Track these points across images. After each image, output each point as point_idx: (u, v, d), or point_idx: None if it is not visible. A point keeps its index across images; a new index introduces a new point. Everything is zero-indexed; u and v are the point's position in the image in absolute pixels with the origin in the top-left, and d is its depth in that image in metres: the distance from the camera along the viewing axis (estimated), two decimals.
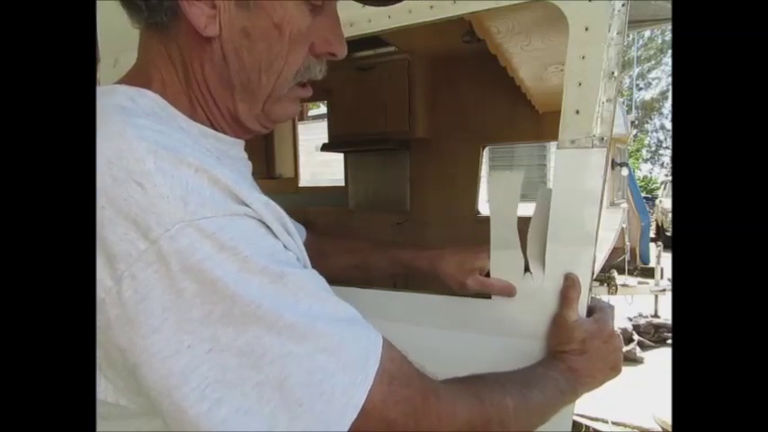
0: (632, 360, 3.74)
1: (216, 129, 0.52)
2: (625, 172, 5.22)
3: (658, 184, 14.82)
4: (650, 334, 4.26)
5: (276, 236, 0.43)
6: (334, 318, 0.41)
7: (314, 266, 0.47)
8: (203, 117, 0.51)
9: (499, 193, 0.69)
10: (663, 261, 5.13)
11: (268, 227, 0.42)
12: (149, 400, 0.37)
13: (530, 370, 0.61)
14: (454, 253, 0.76)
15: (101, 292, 0.36)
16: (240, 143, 0.56)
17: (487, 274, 0.73)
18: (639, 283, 5.02)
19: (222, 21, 0.47)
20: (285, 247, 0.43)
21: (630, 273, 5.44)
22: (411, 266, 0.81)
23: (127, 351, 0.36)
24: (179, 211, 0.36)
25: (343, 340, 0.40)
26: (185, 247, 0.36)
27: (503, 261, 0.71)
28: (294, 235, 0.47)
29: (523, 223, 0.69)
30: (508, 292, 0.70)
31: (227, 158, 0.52)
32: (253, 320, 0.37)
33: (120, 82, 0.48)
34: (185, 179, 0.38)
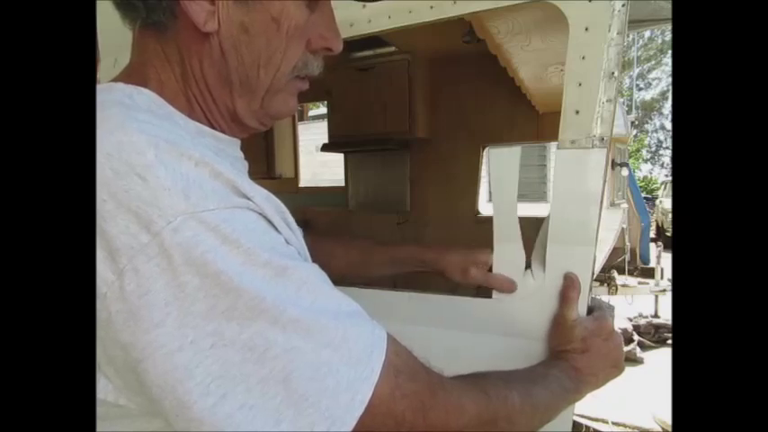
0: (632, 360, 3.74)
1: (213, 127, 0.52)
2: (625, 172, 5.22)
3: (658, 185, 14.82)
4: (650, 334, 4.26)
5: (278, 230, 0.43)
6: (337, 312, 0.41)
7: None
8: (201, 115, 0.51)
9: (500, 169, 0.70)
10: (663, 261, 5.13)
11: (269, 221, 0.42)
12: (150, 398, 0.37)
13: (533, 369, 0.61)
14: (459, 247, 0.79)
15: (102, 287, 0.36)
16: (237, 142, 0.56)
17: (490, 271, 0.73)
18: (639, 283, 5.02)
19: (221, 16, 0.47)
20: (287, 241, 0.43)
21: (630, 273, 5.44)
22: (415, 260, 0.82)
23: (129, 346, 0.36)
24: (181, 204, 0.36)
25: (347, 335, 0.40)
26: (188, 239, 0.36)
27: (505, 255, 0.71)
28: (295, 230, 0.47)
29: (525, 224, 0.69)
30: (508, 287, 0.70)
31: (225, 156, 0.52)
32: (256, 315, 0.36)
33: (116, 80, 0.48)
34: (187, 172, 0.38)
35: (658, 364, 3.73)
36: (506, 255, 0.71)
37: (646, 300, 4.70)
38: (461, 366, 0.51)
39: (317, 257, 0.49)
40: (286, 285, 0.39)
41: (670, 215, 8.87)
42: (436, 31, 1.58)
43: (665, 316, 4.58)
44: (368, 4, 0.76)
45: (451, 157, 2.42)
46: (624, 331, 4.04)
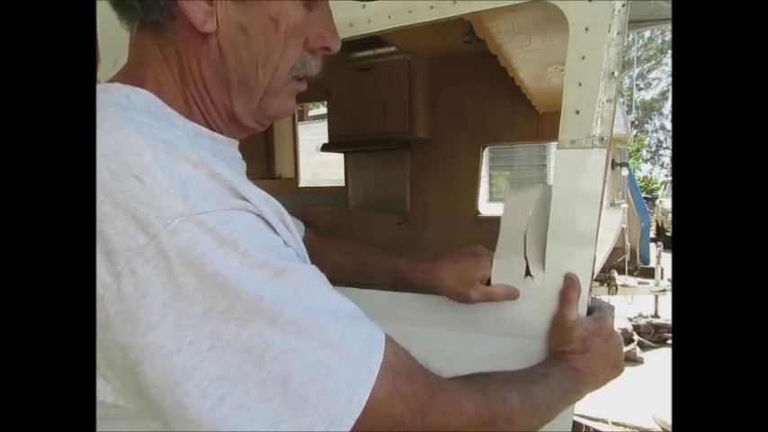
0: (632, 360, 3.74)
1: (212, 127, 0.52)
2: (625, 172, 5.21)
3: (658, 185, 14.82)
4: (650, 334, 4.25)
5: (276, 231, 0.43)
6: (336, 313, 0.41)
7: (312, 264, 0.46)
8: (199, 116, 0.51)
9: (513, 210, 0.69)
10: (663, 261, 5.13)
11: (267, 222, 0.42)
12: (148, 400, 0.37)
13: (533, 369, 0.61)
14: (451, 263, 0.73)
15: (99, 289, 0.36)
16: (235, 143, 0.56)
17: (488, 282, 0.72)
18: (639, 283, 5.02)
19: (219, 16, 0.47)
20: (285, 242, 0.43)
21: (630, 273, 5.44)
22: (408, 279, 0.78)
23: (127, 348, 0.36)
24: (179, 205, 0.36)
25: (345, 336, 0.40)
26: (186, 241, 0.35)
27: (505, 269, 0.70)
28: (293, 231, 0.47)
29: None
30: (512, 296, 0.70)
31: (223, 157, 0.52)
32: (254, 316, 0.36)
33: (113, 81, 0.48)
34: (184, 173, 0.38)
35: (658, 364, 3.73)
36: (506, 269, 0.70)
37: (646, 300, 4.70)
38: (461, 367, 0.51)
39: (312, 257, 0.49)
40: (284, 286, 0.39)
41: (670, 215, 8.87)
42: (436, 31, 1.58)
43: (665, 316, 4.58)
44: (368, 3, 0.76)
45: (451, 157, 2.42)
46: (624, 331, 4.03)
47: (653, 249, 5.71)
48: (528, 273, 0.69)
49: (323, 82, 2.35)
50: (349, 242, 0.88)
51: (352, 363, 0.39)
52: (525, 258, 0.69)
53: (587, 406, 2.90)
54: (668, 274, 5.10)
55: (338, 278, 0.78)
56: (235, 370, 0.36)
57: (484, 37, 1.27)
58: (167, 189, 0.36)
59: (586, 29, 0.62)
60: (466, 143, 2.38)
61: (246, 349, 0.36)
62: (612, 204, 4.66)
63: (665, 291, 4.67)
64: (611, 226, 4.35)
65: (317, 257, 0.51)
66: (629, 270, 5.27)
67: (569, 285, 0.65)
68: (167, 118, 0.46)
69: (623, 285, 4.55)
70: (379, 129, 2.32)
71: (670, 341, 4.11)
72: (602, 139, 0.62)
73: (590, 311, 0.68)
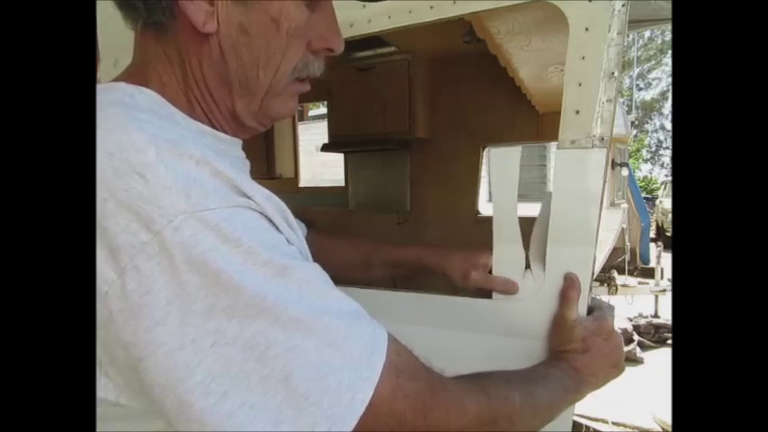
0: (632, 360, 3.74)
1: (214, 127, 0.52)
2: (625, 172, 5.22)
3: (658, 185, 14.83)
4: (650, 334, 4.26)
5: (278, 229, 0.43)
6: (338, 312, 0.41)
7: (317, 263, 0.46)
8: (202, 116, 0.51)
9: (500, 169, 0.70)
10: (663, 261, 5.13)
11: (270, 220, 0.42)
12: (151, 397, 0.37)
13: (533, 369, 0.61)
14: (459, 250, 0.79)
15: (103, 286, 0.36)
16: (238, 142, 0.56)
17: (490, 272, 0.73)
18: (639, 283, 5.03)
19: (220, 17, 0.47)
20: (288, 240, 0.43)
21: (630, 273, 5.44)
22: (418, 264, 0.83)
23: (131, 345, 0.36)
24: (182, 203, 0.36)
25: (348, 334, 0.40)
26: (188, 238, 0.36)
27: (505, 256, 0.71)
28: (296, 229, 0.47)
29: (526, 224, 0.70)
30: (510, 288, 0.71)
31: (226, 155, 0.52)
32: (257, 313, 0.36)
33: (118, 80, 0.48)
34: (187, 171, 0.38)
35: (658, 364, 3.73)
36: (506, 255, 0.71)
37: (646, 300, 4.70)
38: (461, 366, 0.51)
39: (318, 256, 0.49)
40: (287, 284, 0.39)
41: (670, 215, 8.87)
42: (436, 31, 1.58)
43: (665, 316, 4.58)
44: (368, 4, 0.76)
45: (451, 157, 2.42)
46: (624, 331, 4.04)
47: (653, 249, 5.71)
48: (527, 266, 0.70)
49: (323, 82, 2.34)
50: (354, 238, 0.91)
51: (355, 361, 0.39)
52: (525, 252, 0.70)
53: (587, 406, 2.90)
54: (668, 274, 5.11)
55: (346, 275, 0.79)
56: (237, 367, 0.36)
57: (484, 37, 1.27)
58: (170, 186, 0.36)
59: (586, 29, 0.62)
60: (466, 143, 2.38)
61: (249, 346, 0.36)
62: (612, 204, 4.67)
63: (665, 291, 4.68)
64: (611, 226, 4.36)
65: (323, 256, 0.51)
66: (629, 270, 5.27)
67: (569, 285, 0.66)
68: (170, 117, 0.46)
69: (623, 285, 4.56)
70: (379, 129, 2.31)
71: (670, 341, 4.11)
72: (602, 139, 0.62)
73: (590, 311, 0.68)
